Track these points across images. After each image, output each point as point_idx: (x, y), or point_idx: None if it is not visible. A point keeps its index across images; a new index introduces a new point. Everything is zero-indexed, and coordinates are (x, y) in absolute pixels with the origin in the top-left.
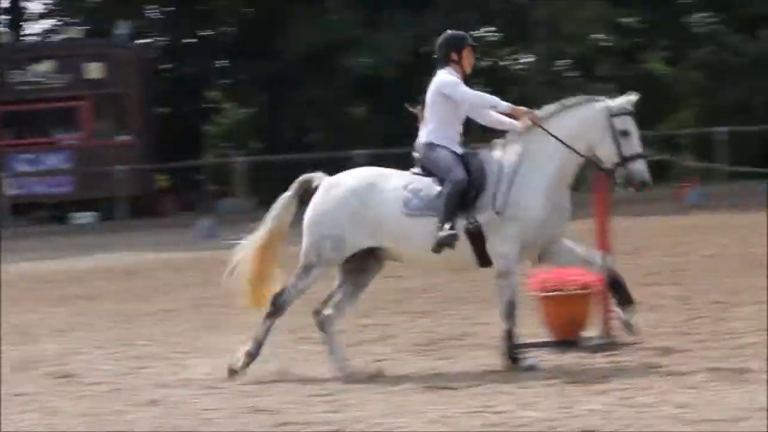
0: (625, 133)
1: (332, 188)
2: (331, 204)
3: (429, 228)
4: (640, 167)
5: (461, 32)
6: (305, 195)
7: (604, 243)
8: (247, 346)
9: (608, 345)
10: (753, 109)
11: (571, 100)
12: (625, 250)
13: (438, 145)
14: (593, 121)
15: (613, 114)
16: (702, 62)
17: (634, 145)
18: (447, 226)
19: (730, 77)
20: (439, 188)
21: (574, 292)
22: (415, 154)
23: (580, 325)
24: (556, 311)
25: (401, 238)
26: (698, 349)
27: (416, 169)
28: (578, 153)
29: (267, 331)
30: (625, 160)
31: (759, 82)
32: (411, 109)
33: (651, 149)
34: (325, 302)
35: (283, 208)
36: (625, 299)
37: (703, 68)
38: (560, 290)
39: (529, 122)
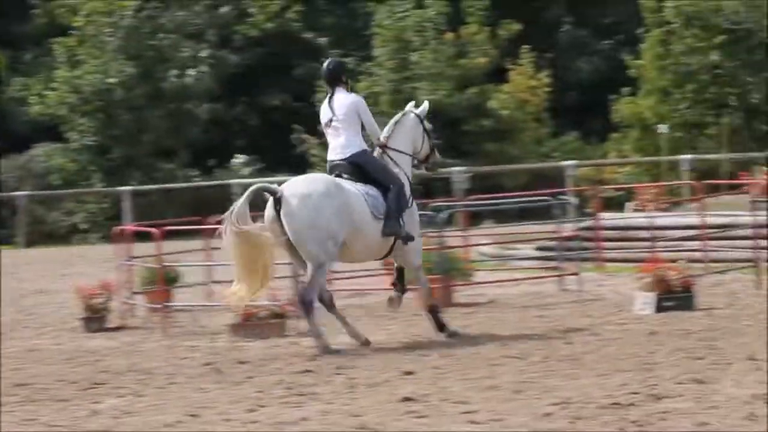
0: (430, 131)
1: (306, 197)
2: (318, 210)
3: (380, 227)
4: (438, 153)
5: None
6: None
7: None
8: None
9: None
10: None
11: (395, 116)
12: None
13: (371, 153)
14: (416, 129)
15: (422, 119)
16: None
17: (432, 138)
18: (402, 222)
19: None
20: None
21: None
22: (340, 161)
23: None
24: None
25: (363, 236)
26: None
27: (344, 175)
28: (414, 157)
29: (315, 326)
30: (432, 151)
31: None
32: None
33: None
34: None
35: (244, 217)
36: None
37: None
38: None
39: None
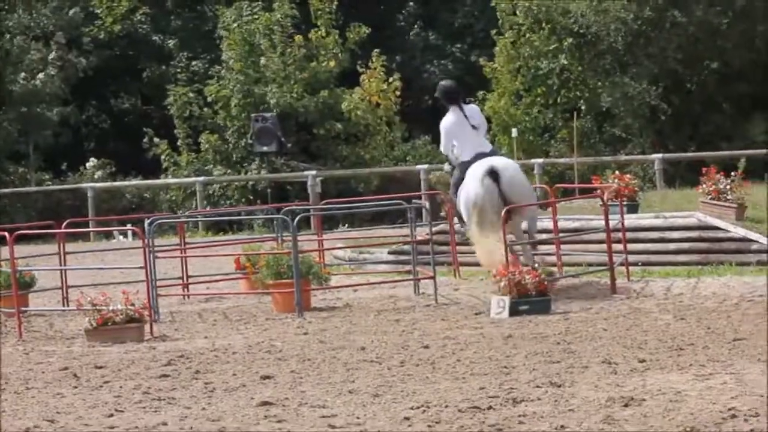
0: None
1: (515, 168)
2: (525, 178)
3: None
4: None
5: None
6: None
7: None
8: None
9: None
10: None
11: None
12: None
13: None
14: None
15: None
16: None
17: None
18: None
19: None
20: None
21: None
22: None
23: None
24: None
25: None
26: None
27: None
28: None
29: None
30: None
31: None
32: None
33: None
34: None
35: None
36: None
37: None
38: None
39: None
